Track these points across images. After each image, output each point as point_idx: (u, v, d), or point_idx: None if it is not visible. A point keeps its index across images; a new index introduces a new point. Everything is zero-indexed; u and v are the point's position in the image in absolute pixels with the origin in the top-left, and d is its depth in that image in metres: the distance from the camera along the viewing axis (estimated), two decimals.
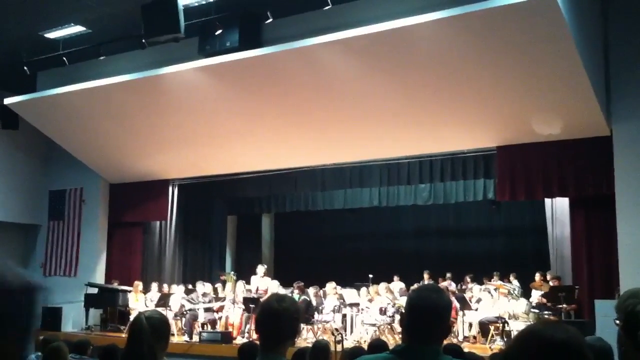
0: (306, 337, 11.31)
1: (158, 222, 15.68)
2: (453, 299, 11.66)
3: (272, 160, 13.54)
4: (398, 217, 17.16)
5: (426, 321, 2.44)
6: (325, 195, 15.68)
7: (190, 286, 14.04)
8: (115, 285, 14.20)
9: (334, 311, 12.07)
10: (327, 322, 11.97)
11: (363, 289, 12.82)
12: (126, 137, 13.43)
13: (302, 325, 11.54)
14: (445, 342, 3.58)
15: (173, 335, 12.53)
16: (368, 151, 12.86)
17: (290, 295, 10.00)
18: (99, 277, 15.03)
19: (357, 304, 12.18)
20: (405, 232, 17.62)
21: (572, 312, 10.76)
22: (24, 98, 13.07)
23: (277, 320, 2.83)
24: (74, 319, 14.03)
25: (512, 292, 11.53)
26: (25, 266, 16.08)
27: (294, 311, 2.91)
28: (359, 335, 11.56)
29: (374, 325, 11.53)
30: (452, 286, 13.09)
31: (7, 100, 13.16)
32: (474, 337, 11.57)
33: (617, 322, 2.39)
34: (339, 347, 9.32)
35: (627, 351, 2.32)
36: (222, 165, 14.01)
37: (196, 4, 10.95)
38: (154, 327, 2.97)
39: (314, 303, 12.23)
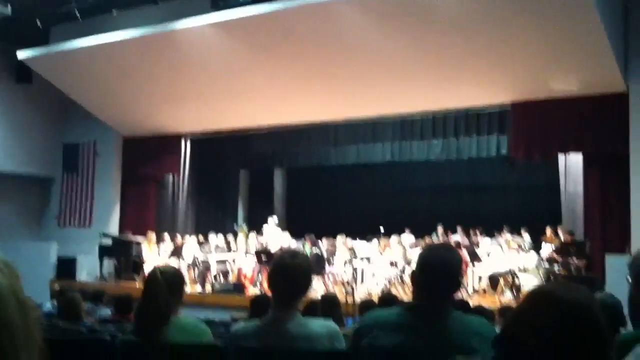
0: (317, 290, 11.45)
1: (171, 176, 15.78)
2: (464, 251, 11.77)
3: (285, 115, 13.50)
4: (411, 173, 17.12)
5: (437, 279, 2.48)
6: (338, 150, 15.64)
7: (202, 238, 14.21)
8: (129, 236, 14.39)
9: (344, 264, 12.19)
10: (338, 274, 12.11)
11: (374, 242, 12.91)
12: (139, 91, 13.42)
13: (314, 277, 11.70)
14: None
15: (186, 285, 12.73)
16: (381, 106, 12.78)
17: (302, 250, 10.13)
18: (113, 229, 15.24)
19: (367, 257, 12.28)
20: (418, 188, 17.61)
21: (583, 267, 10.81)
22: (38, 52, 13.06)
23: (290, 276, 2.88)
24: (89, 269, 14.26)
25: (522, 245, 11.56)
26: (41, 217, 16.36)
27: (306, 267, 2.95)
28: (370, 288, 11.69)
29: (384, 277, 11.66)
30: (463, 239, 13.15)
31: (21, 55, 13.15)
32: (484, 290, 11.68)
33: (629, 278, 2.41)
34: (349, 300, 9.47)
35: (638, 307, 2.35)
36: (234, 120, 14.00)
37: None
38: (168, 281, 3.03)
39: (325, 256, 12.35)
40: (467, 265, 11.57)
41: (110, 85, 13.35)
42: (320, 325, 2.92)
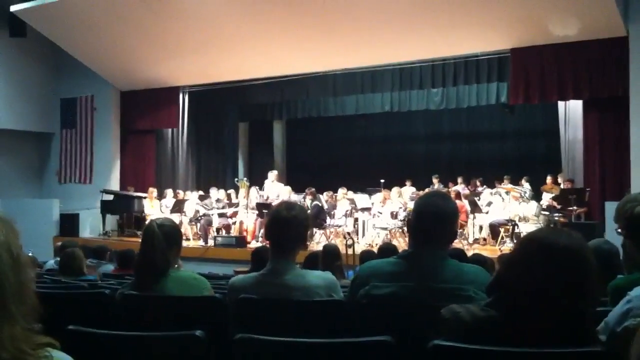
0: (319, 241, 11.53)
1: (170, 130, 15.71)
2: (464, 201, 11.80)
3: (283, 65, 13.37)
4: (410, 123, 17.09)
5: (432, 226, 2.48)
6: (336, 101, 15.57)
7: (203, 192, 14.25)
8: (131, 191, 14.43)
9: (345, 216, 12.25)
10: (339, 226, 12.17)
11: (375, 194, 12.95)
12: (135, 43, 13.23)
13: (315, 230, 11.77)
14: (452, 245, 3.67)
15: (189, 240, 12.86)
16: (380, 56, 12.65)
17: (299, 202, 10.15)
18: (114, 184, 15.25)
19: (368, 209, 12.33)
20: (418, 137, 17.60)
21: (583, 214, 10.85)
22: (31, 5, 12.81)
23: (286, 228, 2.89)
24: (91, 225, 14.34)
25: (522, 195, 11.58)
26: (41, 173, 16.36)
27: (303, 219, 2.96)
28: (371, 239, 11.77)
29: (385, 229, 11.72)
30: (464, 189, 13.19)
31: (14, 8, 12.91)
32: (484, 240, 11.75)
33: (619, 230, 2.42)
34: (350, 251, 9.53)
35: (631, 252, 2.36)
36: (232, 71, 13.85)
37: None
38: (166, 234, 3.04)
39: (326, 208, 12.40)
40: (467, 216, 11.62)
41: (106, 38, 13.14)
42: (317, 276, 2.94)
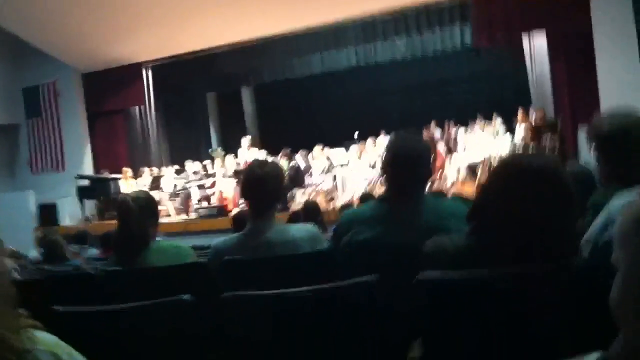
0: (300, 202, 11.54)
1: (138, 108, 15.50)
2: (440, 144, 11.86)
3: (244, 31, 13.19)
4: (378, 75, 16.99)
5: (405, 166, 2.48)
6: (302, 61, 15.38)
7: (179, 167, 14.15)
8: (105, 174, 14.27)
9: (323, 172, 12.25)
10: (319, 184, 12.18)
11: (351, 147, 12.95)
12: (91, 21, 12.90)
13: (295, 190, 11.78)
14: (434, 189, 3.69)
15: (170, 215, 12.81)
16: (341, 10, 12.53)
17: (272, 160, 10.12)
18: (88, 169, 15.06)
19: (345, 163, 12.34)
20: (387, 89, 17.53)
21: (557, 145, 10.96)
22: None
23: (261, 185, 2.87)
24: (70, 213, 14.18)
25: (496, 131, 11.66)
26: (12, 166, 16.10)
27: (276, 175, 2.94)
28: (352, 193, 11.80)
29: (365, 180, 11.75)
30: (437, 132, 13.21)
31: None
32: (462, 181, 11.84)
33: (592, 151, 2.44)
34: (330, 206, 9.57)
35: (604, 168, 2.38)
36: (193, 41, 13.65)
37: None
38: (141, 207, 3.01)
39: (303, 167, 12.39)
40: (443, 158, 11.68)
41: (61, 20, 12.77)
42: (299, 229, 2.94)
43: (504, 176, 1.70)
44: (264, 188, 2.84)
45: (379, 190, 11.44)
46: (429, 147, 2.67)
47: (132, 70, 14.69)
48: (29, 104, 15.51)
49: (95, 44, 13.75)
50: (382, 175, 2.67)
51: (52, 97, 15.25)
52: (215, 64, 15.35)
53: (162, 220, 11.41)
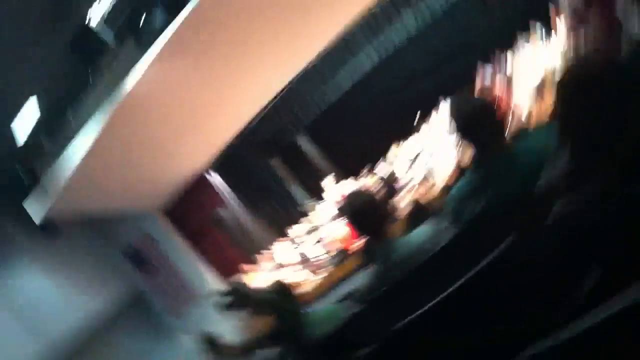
0: (404, 207, 11.41)
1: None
2: (497, 85, 11.50)
3: (267, 90, 13.42)
4: (404, 57, 16.73)
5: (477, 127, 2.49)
6: (330, 84, 15.46)
7: (282, 237, 14.25)
8: (233, 281, 14.51)
9: (409, 168, 12.06)
10: (409, 181, 11.98)
11: (420, 129, 12.74)
12: (148, 167, 13.50)
13: (395, 198, 11.62)
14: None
15: (306, 283, 12.86)
16: (338, 18, 12.66)
17: (359, 184, 9.95)
18: (214, 283, 15.44)
19: (421, 149, 12.12)
20: (417, 66, 17.26)
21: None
22: None
23: (368, 214, 2.93)
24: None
25: (541, 40, 11.27)
26: (158, 324, 16.68)
27: (372, 197, 3.01)
28: (443, 170, 11.52)
29: (448, 152, 11.48)
30: (488, 72, 12.84)
31: None
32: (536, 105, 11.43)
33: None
34: (433, 193, 9.37)
35: None
36: (231, 127, 14.00)
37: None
38: (287, 296, 3.11)
39: (387, 176, 12.25)
40: (506, 96, 11.32)
41: (121, 183, 13.29)
42: (418, 235, 2.97)
43: (582, 88, 1.64)
44: (371, 215, 2.91)
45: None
46: (486, 101, 2.67)
47: (201, 182, 15.15)
48: (135, 262, 16.22)
49: (162, 184, 14.29)
50: (460, 139, 2.67)
51: (151, 247, 15.92)
52: (260, 133, 15.62)
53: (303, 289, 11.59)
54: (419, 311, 2.19)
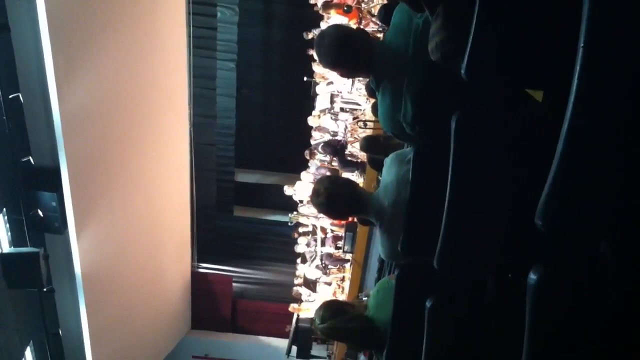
0: (358, 153, 11.15)
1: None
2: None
3: None
4: None
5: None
6: None
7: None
8: None
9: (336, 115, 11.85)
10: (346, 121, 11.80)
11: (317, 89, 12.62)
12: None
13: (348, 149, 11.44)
14: None
15: (330, 284, 12.69)
16: None
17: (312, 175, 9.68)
18: None
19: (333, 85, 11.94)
20: None
21: None
22: None
23: (333, 200, 2.82)
24: None
25: None
26: None
27: (331, 181, 2.89)
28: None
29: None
30: None
31: None
32: None
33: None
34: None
35: None
36: None
37: None
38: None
39: (316, 139, 12.08)
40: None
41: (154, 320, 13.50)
42: (388, 173, 2.88)
43: None
44: (337, 201, 2.82)
45: None
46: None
47: (198, 279, 15.00)
48: None
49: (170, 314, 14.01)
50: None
51: None
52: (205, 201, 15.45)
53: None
54: None
